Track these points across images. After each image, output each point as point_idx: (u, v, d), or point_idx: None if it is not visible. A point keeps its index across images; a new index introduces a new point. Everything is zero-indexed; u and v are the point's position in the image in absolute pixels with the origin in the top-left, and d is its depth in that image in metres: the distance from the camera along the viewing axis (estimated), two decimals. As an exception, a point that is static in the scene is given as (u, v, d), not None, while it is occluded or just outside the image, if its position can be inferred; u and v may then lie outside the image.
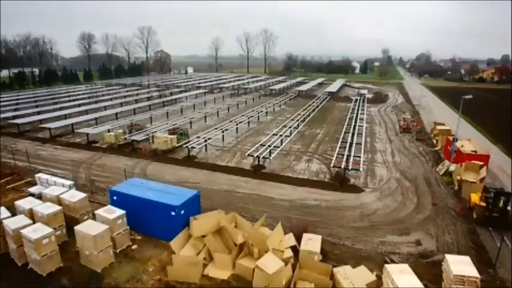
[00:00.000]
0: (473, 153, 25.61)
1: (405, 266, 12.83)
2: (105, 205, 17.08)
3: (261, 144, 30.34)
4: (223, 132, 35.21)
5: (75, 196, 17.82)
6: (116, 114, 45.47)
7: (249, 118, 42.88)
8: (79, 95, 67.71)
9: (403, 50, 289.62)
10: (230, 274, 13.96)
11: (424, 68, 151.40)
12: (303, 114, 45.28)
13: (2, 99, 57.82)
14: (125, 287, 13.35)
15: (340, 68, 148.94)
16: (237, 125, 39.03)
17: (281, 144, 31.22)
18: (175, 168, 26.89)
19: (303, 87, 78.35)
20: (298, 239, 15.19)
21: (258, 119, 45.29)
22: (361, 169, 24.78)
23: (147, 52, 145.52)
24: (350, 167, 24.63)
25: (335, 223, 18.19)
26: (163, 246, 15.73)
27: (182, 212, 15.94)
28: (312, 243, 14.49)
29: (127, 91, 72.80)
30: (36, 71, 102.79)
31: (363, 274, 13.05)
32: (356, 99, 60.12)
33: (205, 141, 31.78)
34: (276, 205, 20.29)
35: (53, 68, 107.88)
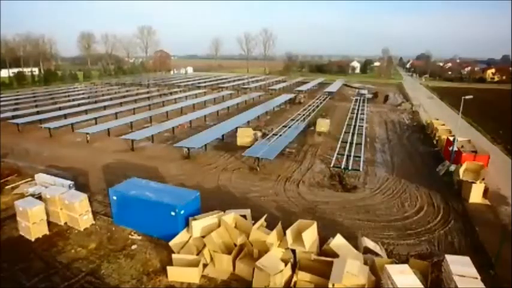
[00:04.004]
0: (473, 153, 25.59)
1: (405, 266, 12.79)
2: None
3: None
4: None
5: (75, 196, 17.85)
6: (116, 114, 45.43)
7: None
8: (78, 94, 67.67)
9: (403, 50, 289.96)
10: (230, 274, 13.97)
11: (424, 68, 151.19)
12: (303, 114, 45.23)
13: (1, 99, 57.68)
14: (125, 287, 13.34)
15: (340, 67, 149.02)
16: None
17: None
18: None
19: (303, 87, 78.13)
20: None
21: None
22: (361, 169, 24.77)
23: (146, 52, 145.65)
24: (350, 167, 24.64)
25: (333, 223, 18.17)
26: (163, 246, 15.72)
27: (182, 212, 15.93)
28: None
29: (127, 90, 72.79)
30: (36, 70, 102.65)
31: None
32: (356, 99, 60.10)
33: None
34: (274, 205, 20.29)
35: (52, 68, 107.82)
